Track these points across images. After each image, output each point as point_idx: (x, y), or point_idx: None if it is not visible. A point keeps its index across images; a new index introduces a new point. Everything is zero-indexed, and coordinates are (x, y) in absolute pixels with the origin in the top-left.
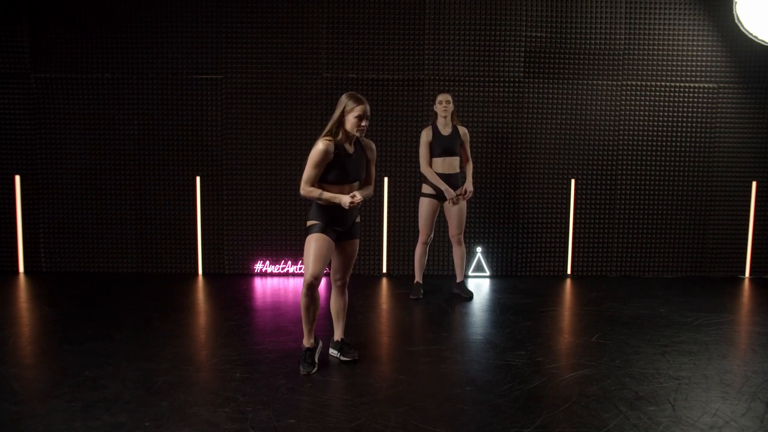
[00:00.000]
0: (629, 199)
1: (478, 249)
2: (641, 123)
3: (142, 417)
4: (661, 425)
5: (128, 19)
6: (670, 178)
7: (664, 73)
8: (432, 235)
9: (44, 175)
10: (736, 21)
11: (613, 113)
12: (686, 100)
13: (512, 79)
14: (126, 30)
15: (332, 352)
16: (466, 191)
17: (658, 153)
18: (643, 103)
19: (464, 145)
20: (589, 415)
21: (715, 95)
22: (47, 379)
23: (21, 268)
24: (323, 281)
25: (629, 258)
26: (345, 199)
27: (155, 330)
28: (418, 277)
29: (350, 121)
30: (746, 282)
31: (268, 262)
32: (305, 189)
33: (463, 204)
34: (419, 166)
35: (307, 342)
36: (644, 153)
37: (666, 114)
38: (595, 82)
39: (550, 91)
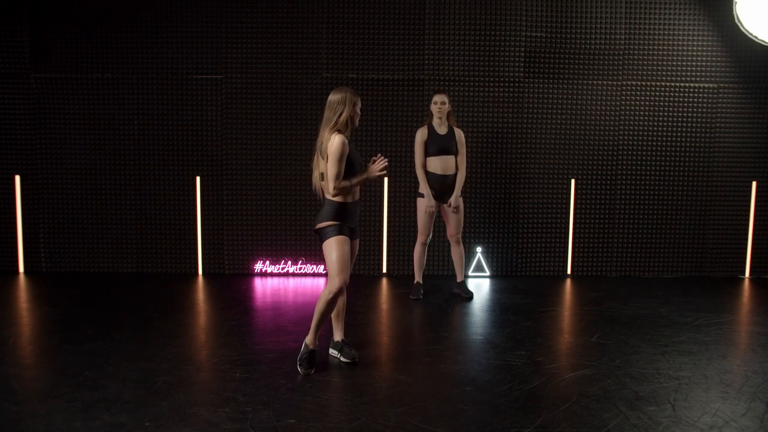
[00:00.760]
0: (629, 199)
1: (478, 249)
2: (641, 123)
3: (142, 417)
4: (661, 425)
5: (128, 19)
6: (670, 178)
7: (664, 73)
8: (431, 236)
9: (44, 175)
10: (736, 21)
11: (613, 113)
12: (686, 100)
13: (512, 79)
14: (126, 30)
15: (332, 352)
16: (450, 204)
17: (658, 153)
18: (643, 103)
19: (459, 149)
20: (589, 415)
21: (715, 95)
22: (47, 379)
23: (21, 268)
24: (322, 281)
25: (629, 258)
26: (372, 168)
27: (155, 330)
28: (417, 278)
29: (358, 115)
30: (746, 282)
31: (268, 262)
32: (338, 184)
33: (461, 205)
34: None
35: (312, 344)
36: (644, 153)
37: (666, 114)
38: (595, 82)
39: (550, 91)
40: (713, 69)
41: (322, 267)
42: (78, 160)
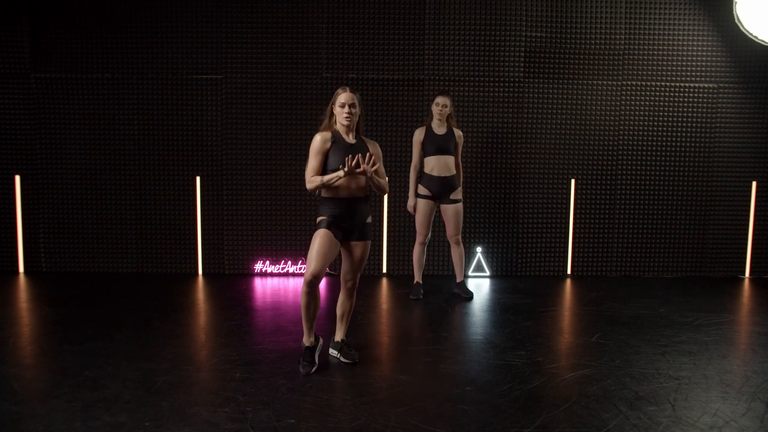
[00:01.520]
0: (629, 199)
1: (478, 249)
2: (641, 123)
3: (142, 417)
4: (661, 425)
5: (128, 19)
6: (670, 178)
7: (664, 73)
8: (429, 236)
9: (44, 175)
10: (736, 21)
11: (613, 113)
12: (686, 100)
13: (512, 79)
14: (126, 30)
15: (332, 352)
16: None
17: (658, 153)
18: (643, 103)
19: (456, 148)
20: (589, 415)
21: (715, 95)
22: (47, 379)
23: (21, 268)
24: (325, 281)
25: (629, 258)
26: (346, 168)
27: (155, 330)
28: (417, 278)
29: (337, 110)
30: (746, 282)
31: (268, 262)
32: (308, 179)
33: (459, 205)
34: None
35: (307, 341)
36: (644, 153)
37: (666, 114)
38: (595, 82)
39: (550, 91)
40: (713, 69)
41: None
42: (78, 160)
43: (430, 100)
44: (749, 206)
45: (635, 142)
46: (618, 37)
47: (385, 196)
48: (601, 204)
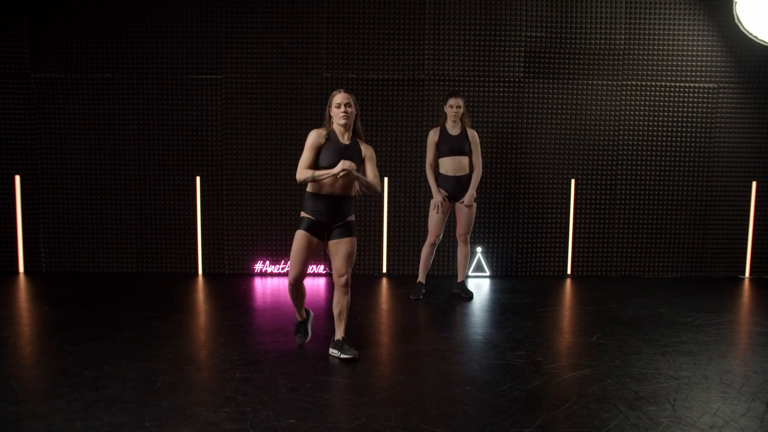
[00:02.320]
0: (629, 199)
1: (479, 249)
2: (641, 123)
3: (142, 417)
4: (661, 425)
5: (128, 19)
6: (670, 178)
7: (664, 73)
8: (441, 237)
9: (44, 175)
10: (736, 21)
11: (613, 113)
12: (686, 100)
13: (512, 79)
14: (126, 30)
15: (332, 351)
16: (464, 202)
17: (658, 153)
18: (643, 103)
19: (473, 150)
20: (589, 415)
21: (715, 95)
22: (47, 379)
23: (21, 268)
24: (325, 281)
25: (629, 258)
26: (337, 167)
27: (155, 330)
28: (421, 277)
29: (334, 111)
30: (746, 282)
31: (268, 262)
32: (299, 172)
33: (473, 205)
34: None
35: (299, 317)
36: (644, 153)
37: (666, 114)
38: (595, 82)
39: (550, 91)
40: (713, 69)
41: (322, 267)
42: (78, 160)
43: (430, 100)
44: (749, 206)
45: (635, 142)
46: (618, 37)
47: (385, 197)
48: (601, 204)
